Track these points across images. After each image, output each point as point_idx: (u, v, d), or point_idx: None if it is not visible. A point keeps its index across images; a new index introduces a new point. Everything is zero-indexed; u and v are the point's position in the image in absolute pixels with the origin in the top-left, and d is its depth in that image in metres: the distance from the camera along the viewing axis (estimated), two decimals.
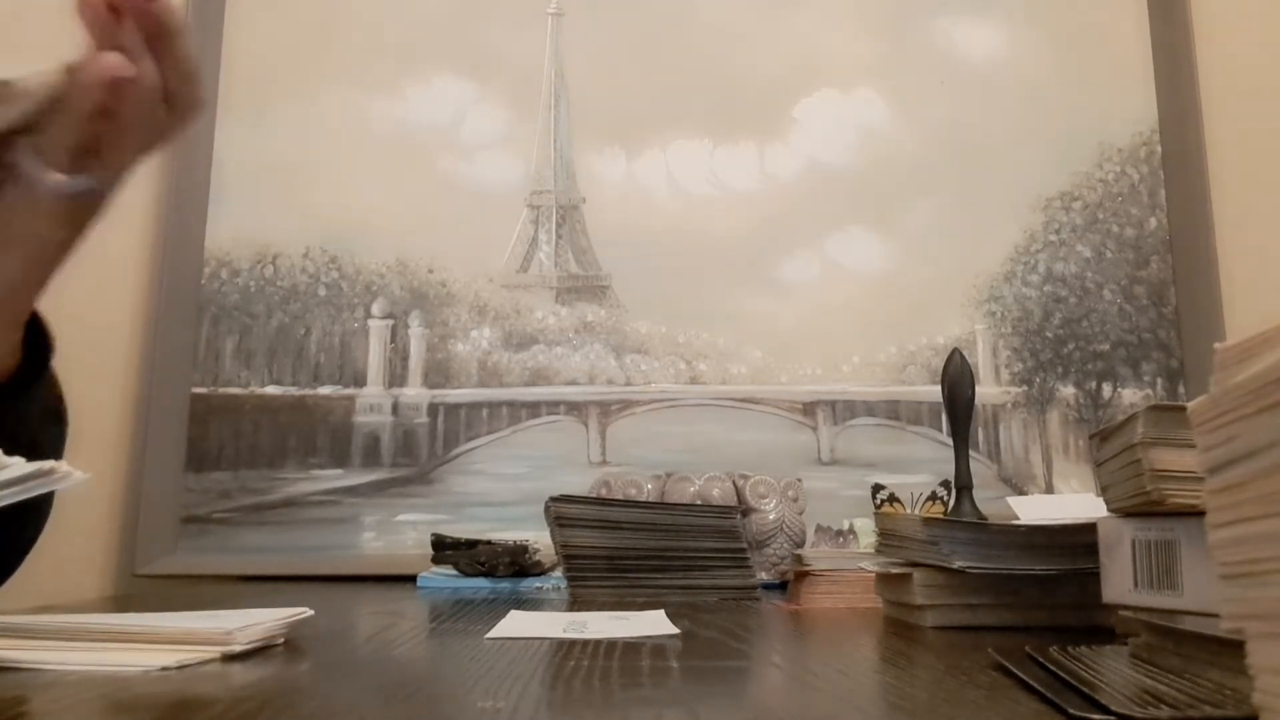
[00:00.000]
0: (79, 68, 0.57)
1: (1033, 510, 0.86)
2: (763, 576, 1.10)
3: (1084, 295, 1.49)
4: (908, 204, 1.53)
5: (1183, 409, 0.37)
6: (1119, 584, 0.57)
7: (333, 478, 1.46)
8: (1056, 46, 1.56)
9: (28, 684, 0.48)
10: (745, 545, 1.08)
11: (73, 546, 1.41)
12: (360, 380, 1.50)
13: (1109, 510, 0.58)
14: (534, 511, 1.14)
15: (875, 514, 1.07)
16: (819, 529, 1.09)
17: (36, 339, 0.66)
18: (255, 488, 1.45)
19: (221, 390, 1.48)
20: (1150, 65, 1.52)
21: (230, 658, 0.55)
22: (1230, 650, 0.40)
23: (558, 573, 1.11)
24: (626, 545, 1.06)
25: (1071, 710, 0.39)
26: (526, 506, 1.34)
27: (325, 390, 1.50)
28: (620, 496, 1.15)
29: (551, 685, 0.50)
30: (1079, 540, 0.69)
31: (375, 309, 1.52)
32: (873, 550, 0.89)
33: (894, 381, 1.48)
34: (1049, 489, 1.44)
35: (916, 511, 1.18)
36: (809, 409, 1.48)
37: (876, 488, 1.21)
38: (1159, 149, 1.50)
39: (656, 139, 1.56)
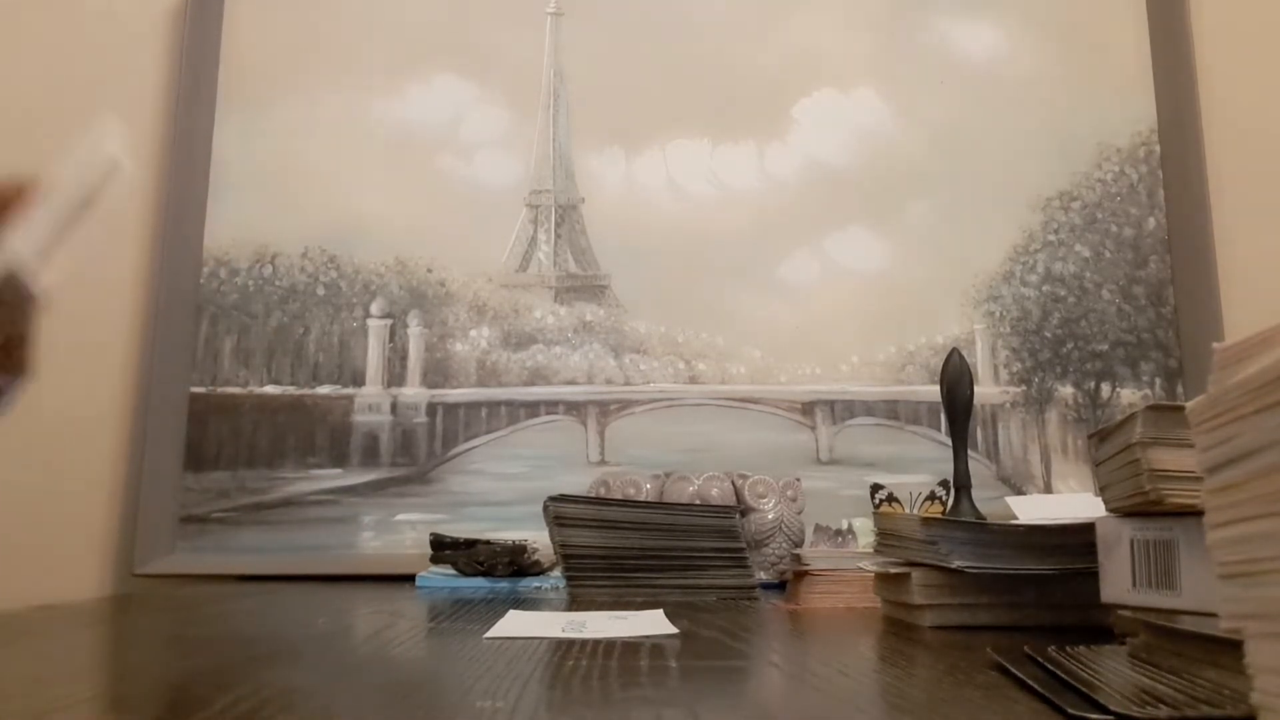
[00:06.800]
0: None
1: (1031, 510, 0.86)
2: (761, 576, 1.10)
3: (1083, 295, 1.49)
4: (907, 203, 1.53)
5: (1181, 409, 0.37)
6: (1117, 584, 0.57)
7: (331, 477, 1.46)
8: (1055, 46, 1.56)
9: None
10: (744, 545, 1.08)
11: (71, 546, 1.41)
12: (359, 380, 1.50)
13: (1107, 510, 0.58)
14: (533, 511, 1.14)
15: (874, 514, 1.07)
16: (818, 529, 1.09)
17: None
18: (254, 487, 1.45)
19: (220, 390, 1.48)
20: (1149, 65, 1.52)
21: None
22: (1228, 650, 0.40)
23: (556, 572, 1.11)
24: (625, 545, 1.06)
25: (1070, 710, 0.39)
26: (525, 506, 1.34)
27: (324, 390, 1.49)
28: (619, 496, 1.15)
29: (550, 685, 0.50)
30: (1077, 540, 0.69)
31: (374, 308, 1.52)
32: (871, 550, 0.89)
33: (893, 381, 1.48)
34: (1047, 489, 1.44)
35: (915, 511, 1.18)
36: (808, 409, 1.48)
37: (875, 487, 1.21)
38: (1158, 149, 1.50)
39: (656, 139, 1.56)
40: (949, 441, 0.93)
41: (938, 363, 1.07)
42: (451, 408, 1.49)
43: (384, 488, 1.46)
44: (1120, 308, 1.48)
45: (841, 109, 1.56)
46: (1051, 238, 1.51)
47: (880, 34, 1.58)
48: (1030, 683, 0.45)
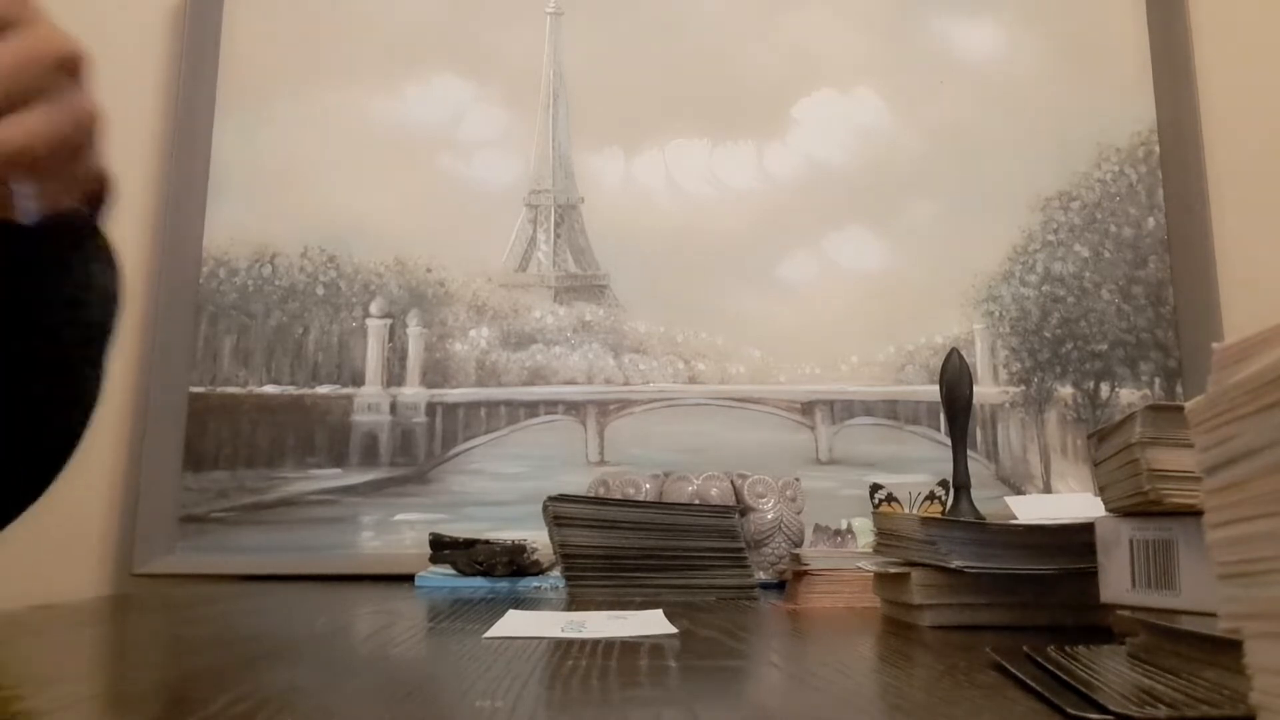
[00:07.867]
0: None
1: (1031, 510, 0.86)
2: (761, 576, 1.10)
3: (1082, 295, 1.49)
4: (906, 204, 1.53)
5: (1180, 409, 0.37)
6: (1117, 584, 0.57)
7: (331, 477, 1.46)
8: (1055, 46, 1.56)
9: None
10: (743, 545, 1.08)
11: (70, 546, 1.41)
12: (358, 380, 1.50)
13: (1107, 510, 0.58)
14: (532, 511, 1.14)
15: (873, 513, 1.07)
16: (817, 528, 1.09)
17: None
18: (253, 487, 1.45)
19: (219, 389, 1.48)
20: (1149, 65, 1.52)
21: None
22: (1228, 650, 0.40)
23: (556, 572, 1.11)
24: (624, 545, 1.06)
25: (1069, 710, 0.39)
26: (524, 506, 1.34)
27: (323, 390, 1.49)
28: (618, 496, 1.15)
29: (550, 685, 0.50)
30: (1077, 540, 0.69)
31: (373, 308, 1.52)
32: (871, 550, 0.89)
33: (892, 381, 1.48)
34: (1047, 489, 1.44)
35: (914, 511, 1.18)
36: (807, 408, 1.48)
37: (874, 487, 1.21)
38: (1157, 149, 1.51)
39: (655, 138, 1.56)
40: (948, 441, 0.93)
41: (937, 363, 1.07)
42: (451, 408, 1.49)
43: (383, 487, 1.46)
44: (1119, 308, 1.48)
45: (841, 109, 1.56)
46: (1051, 238, 1.51)
47: (880, 34, 1.58)
48: (1030, 683, 0.45)
